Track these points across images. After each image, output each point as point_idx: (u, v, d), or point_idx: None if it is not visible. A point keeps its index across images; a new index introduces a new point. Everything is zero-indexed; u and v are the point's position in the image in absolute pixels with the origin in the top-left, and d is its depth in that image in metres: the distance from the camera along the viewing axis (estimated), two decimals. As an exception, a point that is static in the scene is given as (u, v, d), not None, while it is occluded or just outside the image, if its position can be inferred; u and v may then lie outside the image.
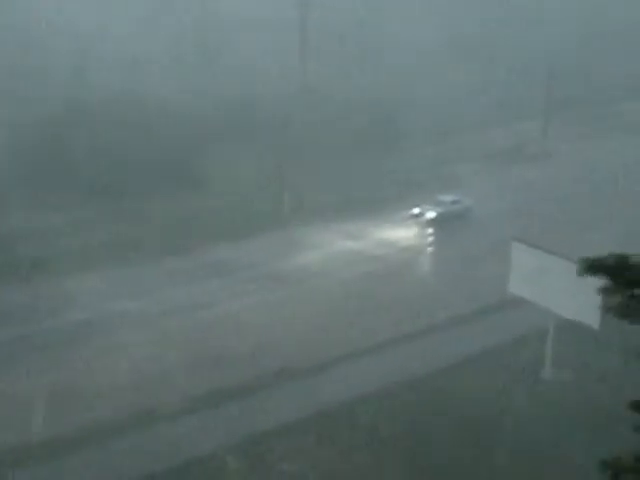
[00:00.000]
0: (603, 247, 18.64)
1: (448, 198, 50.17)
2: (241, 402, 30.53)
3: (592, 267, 15.66)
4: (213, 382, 31.48)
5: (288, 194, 49.82)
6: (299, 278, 41.49)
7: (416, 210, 49.26)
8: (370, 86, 66.18)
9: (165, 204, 48.59)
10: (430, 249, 47.67)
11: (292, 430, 28.83)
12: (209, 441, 28.06)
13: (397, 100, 63.79)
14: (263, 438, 28.36)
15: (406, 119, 61.18)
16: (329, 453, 27.71)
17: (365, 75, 69.44)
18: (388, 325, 36.34)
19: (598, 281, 28.36)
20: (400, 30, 75.27)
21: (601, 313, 28.62)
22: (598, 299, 28.27)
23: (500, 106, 68.44)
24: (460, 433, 28.64)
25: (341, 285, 40.67)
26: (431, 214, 48.88)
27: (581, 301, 29.32)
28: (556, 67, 65.72)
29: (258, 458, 27.49)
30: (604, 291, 16.03)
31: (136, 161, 50.32)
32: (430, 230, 48.53)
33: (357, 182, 53.91)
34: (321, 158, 55.32)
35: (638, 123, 69.51)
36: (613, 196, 53.07)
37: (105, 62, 61.88)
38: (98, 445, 27.61)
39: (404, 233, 47.94)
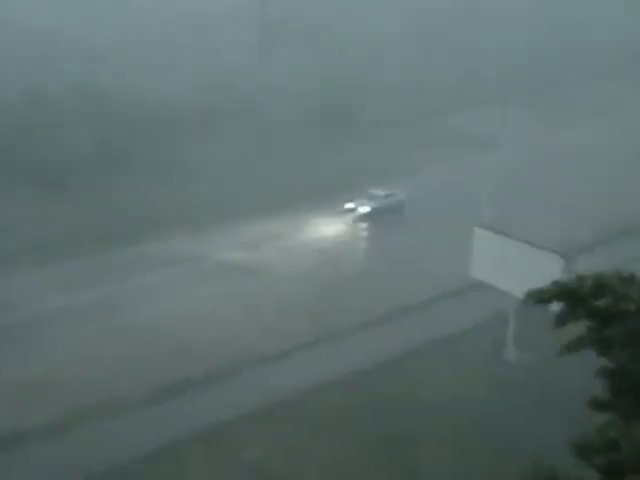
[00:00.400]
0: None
1: (381, 192, 50.26)
2: (202, 392, 30.78)
3: (542, 299, 15.53)
4: (174, 373, 31.62)
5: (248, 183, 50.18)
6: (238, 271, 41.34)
7: (350, 205, 49.24)
8: (330, 76, 66.51)
9: (122, 194, 48.61)
10: (365, 243, 48.22)
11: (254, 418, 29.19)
12: (171, 431, 28.21)
13: (358, 88, 64.32)
14: (225, 427, 28.60)
15: (368, 107, 61.78)
16: (291, 440, 28.06)
17: (325, 65, 69.81)
18: (341, 315, 36.76)
19: (558, 265, 29.50)
20: (360, 18, 75.76)
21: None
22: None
23: (460, 92, 69.28)
24: (421, 414, 29.22)
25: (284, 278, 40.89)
26: (364, 208, 48.98)
27: (541, 284, 30.23)
28: (518, 52, 66.98)
29: (221, 446, 27.76)
30: (558, 321, 15.80)
31: (90, 151, 50.78)
32: (364, 224, 48.78)
33: (312, 171, 54.17)
34: (279, 148, 55.72)
35: (598, 106, 71.06)
36: (561, 183, 53.88)
37: (63, 53, 61.52)
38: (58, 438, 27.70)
39: (340, 227, 48.13)
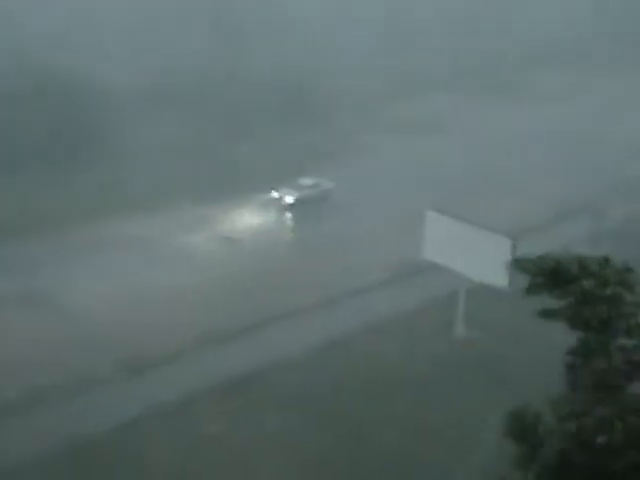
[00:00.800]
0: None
1: (308, 181, 49.84)
2: (164, 370, 31.69)
3: (529, 271, 15.37)
4: (135, 351, 32.42)
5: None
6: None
7: (275, 194, 48.87)
8: (278, 60, 67.20)
9: (79, 174, 48.75)
10: (291, 233, 47.79)
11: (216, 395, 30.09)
12: (134, 407, 28.94)
13: (306, 73, 65.13)
14: (188, 403, 29.45)
15: (316, 92, 62.59)
16: (253, 415, 28.96)
17: (272, 49, 70.38)
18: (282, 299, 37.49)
19: (506, 246, 30.94)
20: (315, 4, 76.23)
21: (508, 276, 31.08)
22: (506, 262, 30.94)
23: (406, 78, 70.42)
24: (374, 391, 30.35)
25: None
26: (289, 198, 48.61)
27: (490, 264, 31.67)
28: (461, 38, 68.17)
29: (184, 422, 28.51)
30: (530, 291, 15.65)
31: (49, 132, 50.36)
32: (289, 214, 48.46)
33: (257, 156, 54.53)
34: (231, 132, 56.32)
35: (540, 92, 72.96)
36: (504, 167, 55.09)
37: (25, 37, 61.03)
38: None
39: (264, 217, 47.82)
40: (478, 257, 32.39)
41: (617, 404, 14.27)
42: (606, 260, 15.21)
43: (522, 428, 15.19)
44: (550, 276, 14.85)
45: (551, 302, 15.81)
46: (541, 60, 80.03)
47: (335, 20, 76.42)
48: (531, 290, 15.24)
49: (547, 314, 15.45)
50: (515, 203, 48.09)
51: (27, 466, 25.67)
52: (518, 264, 15.53)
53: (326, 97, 63.26)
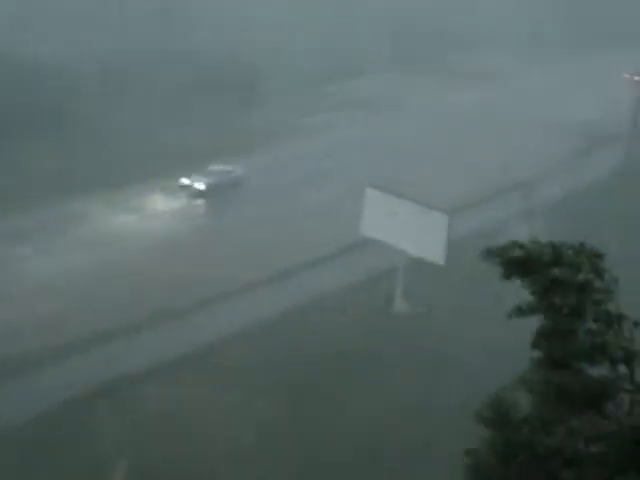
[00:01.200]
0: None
1: (219, 168, 48.63)
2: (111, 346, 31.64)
3: (502, 258, 14.98)
4: (83, 329, 32.31)
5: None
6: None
7: (185, 180, 47.46)
8: (230, 40, 67.20)
9: (31, 155, 47.78)
10: (202, 220, 46.48)
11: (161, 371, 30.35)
12: (79, 385, 28.93)
13: (260, 53, 65.36)
14: (132, 381, 29.64)
15: (265, 73, 62.87)
16: (196, 392, 29.25)
17: (217, 31, 70.37)
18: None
19: (443, 221, 31.74)
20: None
21: (444, 251, 31.98)
22: (443, 238, 31.89)
23: (352, 58, 71.06)
24: (314, 365, 30.75)
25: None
26: (200, 185, 47.20)
27: (428, 240, 32.57)
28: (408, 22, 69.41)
29: (127, 399, 28.70)
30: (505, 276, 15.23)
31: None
32: (200, 201, 47.20)
33: (193, 138, 54.05)
34: (166, 115, 56.21)
35: (482, 72, 74.39)
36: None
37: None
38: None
39: (175, 204, 46.54)
40: (416, 233, 33.12)
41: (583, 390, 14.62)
42: (581, 246, 15.07)
43: (496, 414, 15.35)
44: (521, 265, 14.78)
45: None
46: (479, 42, 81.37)
47: (279, 1, 76.71)
48: (506, 277, 15.12)
49: (519, 311, 15.29)
50: (449, 181, 49.01)
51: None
52: (487, 254, 15.04)
53: (268, 78, 63.41)
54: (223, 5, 73.52)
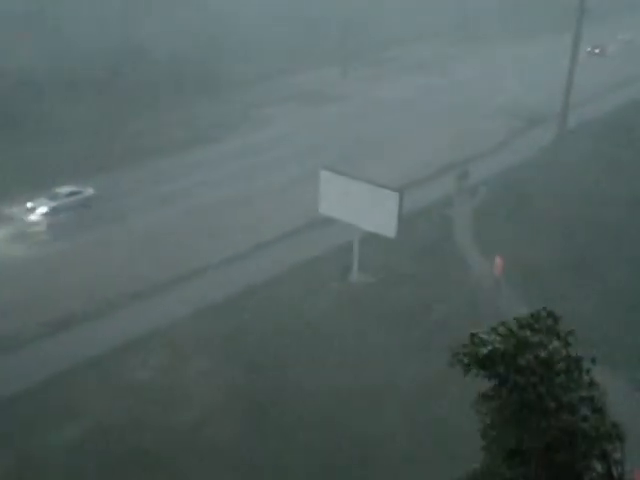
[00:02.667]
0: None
1: (65, 190, 45.93)
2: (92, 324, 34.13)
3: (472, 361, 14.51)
4: (63, 310, 34.87)
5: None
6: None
7: (29, 204, 44.95)
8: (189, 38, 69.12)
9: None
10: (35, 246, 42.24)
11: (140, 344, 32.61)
12: (65, 360, 31.05)
13: (214, 48, 67.43)
14: (114, 353, 31.87)
15: (220, 69, 65.05)
16: (173, 361, 31.62)
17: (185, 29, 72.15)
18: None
19: (394, 199, 34.78)
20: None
21: (396, 225, 35.18)
22: (394, 214, 34.96)
23: (299, 54, 73.67)
24: (276, 330, 33.51)
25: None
26: (43, 209, 44.80)
27: (380, 216, 35.55)
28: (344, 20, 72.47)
29: (111, 371, 30.89)
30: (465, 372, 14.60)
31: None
32: (44, 224, 44.19)
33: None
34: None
35: (411, 65, 77.84)
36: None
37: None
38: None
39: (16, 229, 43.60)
40: (369, 210, 36.12)
41: None
42: (551, 328, 14.97)
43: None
44: (485, 359, 14.68)
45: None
46: (417, 38, 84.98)
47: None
48: (467, 373, 14.63)
49: (485, 399, 15.10)
50: (395, 164, 52.27)
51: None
52: (454, 357, 14.58)
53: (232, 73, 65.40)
54: (180, 7, 75.42)
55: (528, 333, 14.57)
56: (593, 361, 14.64)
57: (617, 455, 14.43)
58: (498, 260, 37.85)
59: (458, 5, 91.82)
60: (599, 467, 14.28)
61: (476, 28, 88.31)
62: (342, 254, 39.49)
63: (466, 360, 14.43)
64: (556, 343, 14.52)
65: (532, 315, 14.76)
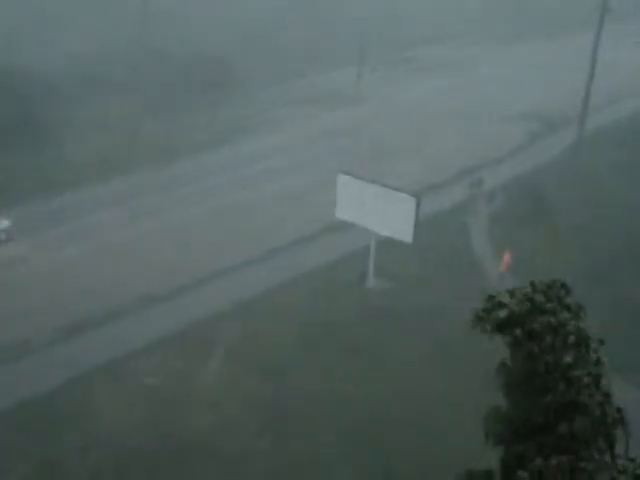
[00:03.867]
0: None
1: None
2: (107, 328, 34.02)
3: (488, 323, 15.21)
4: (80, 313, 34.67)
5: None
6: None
7: None
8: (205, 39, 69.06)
9: (15, 156, 49.06)
10: None
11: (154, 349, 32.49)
12: (80, 365, 31.03)
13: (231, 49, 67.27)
14: (128, 358, 31.71)
15: (235, 69, 64.79)
16: (188, 366, 31.39)
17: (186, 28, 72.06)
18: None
19: (411, 203, 34.49)
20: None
21: (413, 230, 34.84)
22: (412, 219, 34.65)
23: (315, 55, 73.28)
24: (296, 335, 33.30)
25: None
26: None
27: (396, 221, 35.32)
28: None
29: (124, 375, 30.73)
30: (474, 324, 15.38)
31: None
32: None
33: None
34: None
35: (431, 65, 77.36)
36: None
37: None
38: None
39: None
40: (386, 214, 35.85)
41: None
42: (550, 288, 15.49)
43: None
44: (502, 325, 15.19)
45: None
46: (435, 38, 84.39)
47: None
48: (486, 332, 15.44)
49: (503, 371, 15.70)
50: (412, 167, 51.72)
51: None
52: (476, 322, 15.26)
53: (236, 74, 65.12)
54: (195, 6, 75.25)
55: (543, 298, 15.11)
56: (601, 342, 15.12)
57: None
58: (506, 256, 37.89)
59: (477, 5, 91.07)
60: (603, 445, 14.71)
61: (496, 28, 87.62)
62: (358, 259, 39.09)
63: (488, 327, 15.10)
64: (566, 314, 15.02)
65: (547, 283, 15.46)
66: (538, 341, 14.85)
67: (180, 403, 29.45)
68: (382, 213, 35.92)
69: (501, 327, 15.16)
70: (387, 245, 37.54)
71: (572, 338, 14.84)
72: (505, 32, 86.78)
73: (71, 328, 33.87)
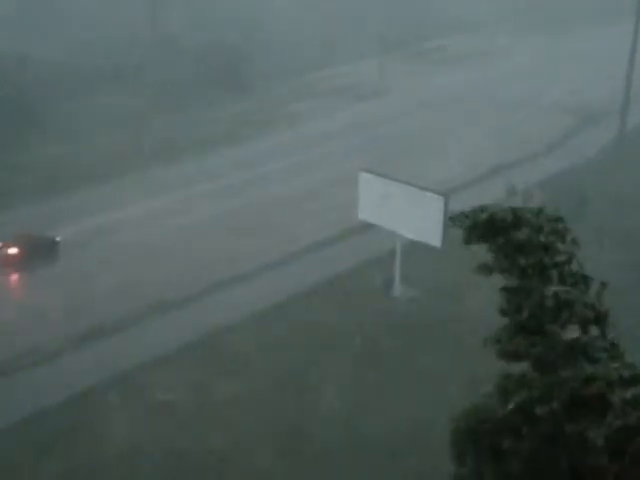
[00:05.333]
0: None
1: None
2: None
3: (469, 224, 15.47)
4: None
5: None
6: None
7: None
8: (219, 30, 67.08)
9: (21, 153, 47.54)
10: None
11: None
12: (89, 377, 29.19)
13: (246, 41, 65.36)
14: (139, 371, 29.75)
15: (250, 62, 62.84)
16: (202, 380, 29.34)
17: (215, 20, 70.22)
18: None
19: (439, 203, 31.62)
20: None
21: (442, 233, 31.84)
22: (439, 220, 31.74)
23: (333, 46, 70.86)
24: (319, 346, 31.17)
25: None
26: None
27: (424, 223, 32.45)
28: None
29: (135, 390, 28.78)
30: (466, 240, 15.70)
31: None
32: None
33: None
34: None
35: (456, 56, 74.44)
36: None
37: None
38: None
39: None
40: (412, 215, 33.00)
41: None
42: (540, 210, 15.45)
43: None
44: (485, 227, 15.10)
45: (486, 258, 16.14)
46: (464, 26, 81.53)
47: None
48: (467, 242, 15.50)
49: (484, 269, 15.57)
50: (439, 165, 48.99)
51: None
52: (453, 219, 15.69)
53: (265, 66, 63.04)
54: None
55: (530, 215, 15.16)
56: (603, 285, 14.95)
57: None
58: None
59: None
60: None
61: (527, 16, 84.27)
62: (383, 265, 36.31)
63: (467, 222, 15.13)
64: (560, 245, 15.03)
65: (539, 208, 15.51)
66: (526, 255, 14.70)
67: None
68: (408, 214, 33.21)
69: (482, 234, 15.05)
70: (412, 249, 34.73)
71: (562, 257, 14.82)
72: (539, 21, 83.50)
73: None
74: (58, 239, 38.25)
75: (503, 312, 15.37)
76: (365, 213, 35.27)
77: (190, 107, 56.53)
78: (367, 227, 37.05)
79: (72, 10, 67.61)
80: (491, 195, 44.08)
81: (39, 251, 37.50)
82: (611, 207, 43.00)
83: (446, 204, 31.70)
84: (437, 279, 35.85)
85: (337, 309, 34.01)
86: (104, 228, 40.60)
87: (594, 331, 14.65)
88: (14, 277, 37.33)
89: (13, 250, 36.89)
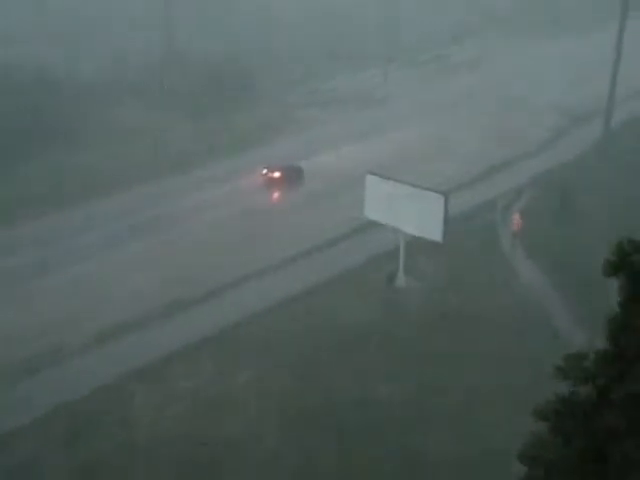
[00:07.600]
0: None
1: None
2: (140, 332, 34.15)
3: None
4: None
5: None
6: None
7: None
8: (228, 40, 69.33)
9: (38, 163, 49.53)
10: None
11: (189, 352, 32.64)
12: (114, 370, 31.06)
13: (250, 56, 67.55)
14: (163, 362, 31.84)
15: (261, 72, 65.01)
16: (222, 370, 31.43)
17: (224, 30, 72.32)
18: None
19: (440, 202, 34.27)
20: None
21: (443, 229, 34.65)
22: (440, 217, 34.47)
23: (338, 55, 73.19)
24: (329, 337, 33.24)
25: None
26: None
27: (425, 220, 35.17)
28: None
29: (159, 380, 30.86)
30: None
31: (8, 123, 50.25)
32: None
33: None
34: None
35: (455, 63, 77.14)
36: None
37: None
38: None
39: None
40: (414, 213, 35.69)
41: None
42: None
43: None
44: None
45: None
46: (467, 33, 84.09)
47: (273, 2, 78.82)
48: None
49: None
50: (439, 167, 51.37)
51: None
52: (611, 268, 13.49)
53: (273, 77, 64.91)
54: (221, 11, 75.35)
55: None
56: None
57: None
58: (515, 217, 40.76)
59: (499, 1, 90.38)
60: None
61: (520, 23, 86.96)
62: (387, 260, 39.05)
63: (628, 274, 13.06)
64: None
65: None
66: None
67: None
68: (411, 212, 35.72)
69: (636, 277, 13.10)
70: (414, 244, 37.50)
71: None
72: (537, 27, 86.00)
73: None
74: (303, 167, 49.69)
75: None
76: (371, 212, 37.96)
77: (201, 115, 58.81)
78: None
79: (93, 25, 69.79)
80: (485, 193, 47.57)
81: (292, 176, 49.24)
82: (595, 203, 45.43)
83: (446, 202, 34.45)
84: (436, 272, 38.70)
85: (347, 297, 36.63)
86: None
87: None
88: (277, 194, 48.57)
89: (277, 174, 48.68)
